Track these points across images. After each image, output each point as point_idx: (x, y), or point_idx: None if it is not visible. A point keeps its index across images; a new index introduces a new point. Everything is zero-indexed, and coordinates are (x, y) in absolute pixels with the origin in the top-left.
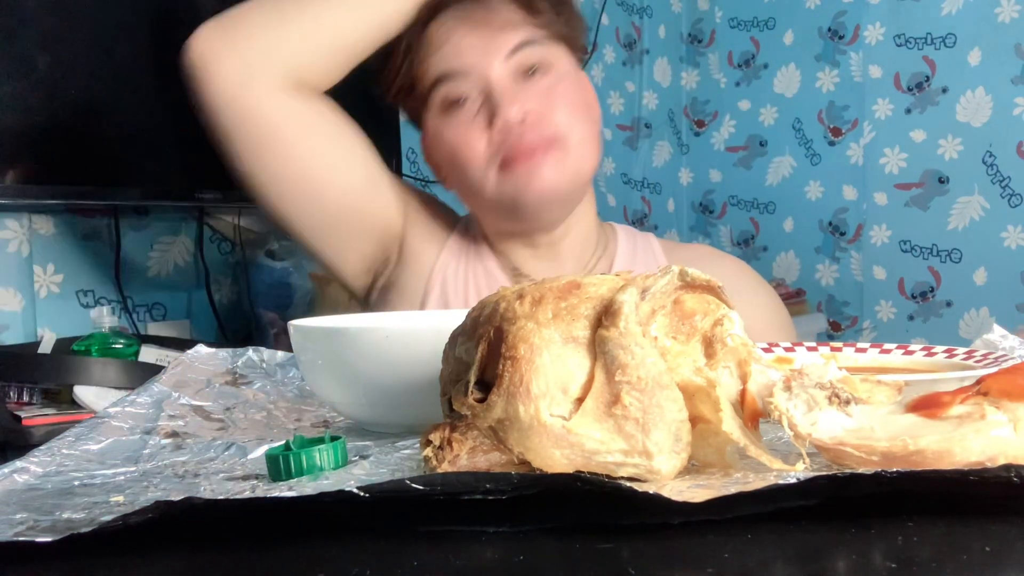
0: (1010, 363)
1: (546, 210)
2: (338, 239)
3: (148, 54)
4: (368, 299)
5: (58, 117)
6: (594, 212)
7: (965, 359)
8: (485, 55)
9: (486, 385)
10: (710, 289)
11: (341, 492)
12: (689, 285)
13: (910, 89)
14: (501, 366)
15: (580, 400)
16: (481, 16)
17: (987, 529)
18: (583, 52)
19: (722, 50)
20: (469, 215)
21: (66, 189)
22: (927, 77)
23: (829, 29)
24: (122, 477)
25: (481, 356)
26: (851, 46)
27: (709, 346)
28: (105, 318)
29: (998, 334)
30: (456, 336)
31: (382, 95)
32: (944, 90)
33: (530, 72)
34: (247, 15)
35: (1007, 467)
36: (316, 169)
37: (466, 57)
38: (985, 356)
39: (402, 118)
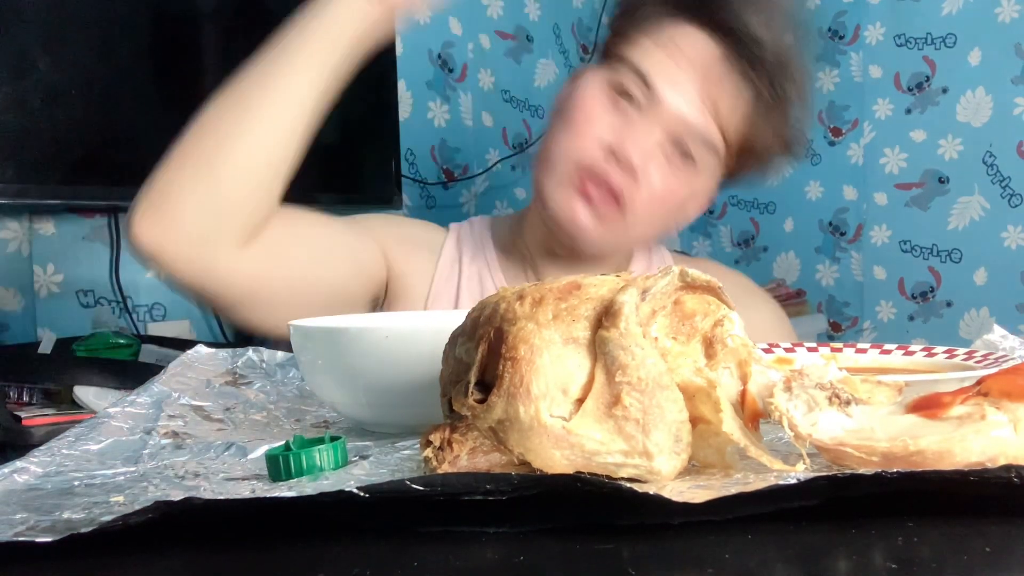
0: (1010, 363)
1: (570, 244)
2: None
3: (148, 54)
4: None
5: (58, 117)
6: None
7: (965, 359)
8: (680, 104)
9: (486, 386)
10: (710, 290)
11: (341, 492)
12: (689, 286)
13: (910, 89)
14: (501, 367)
15: (580, 401)
16: (723, 74)
17: (987, 529)
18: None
19: None
20: (469, 223)
21: (66, 189)
22: (927, 77)
23: (829, 29)
24: (122, 477)
25: (481, 357)
26: (851, 46)
27: (709, 347)
28: (105, 318)
29: (998, 334)
30: (456, 337)
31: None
32: (944, 90)
33: (683, 157)
34: (172, 187)
35: (1007, 467)
36: (300, 290)
37: (670, 84)
38: (985, 356)
39: (402, 116)
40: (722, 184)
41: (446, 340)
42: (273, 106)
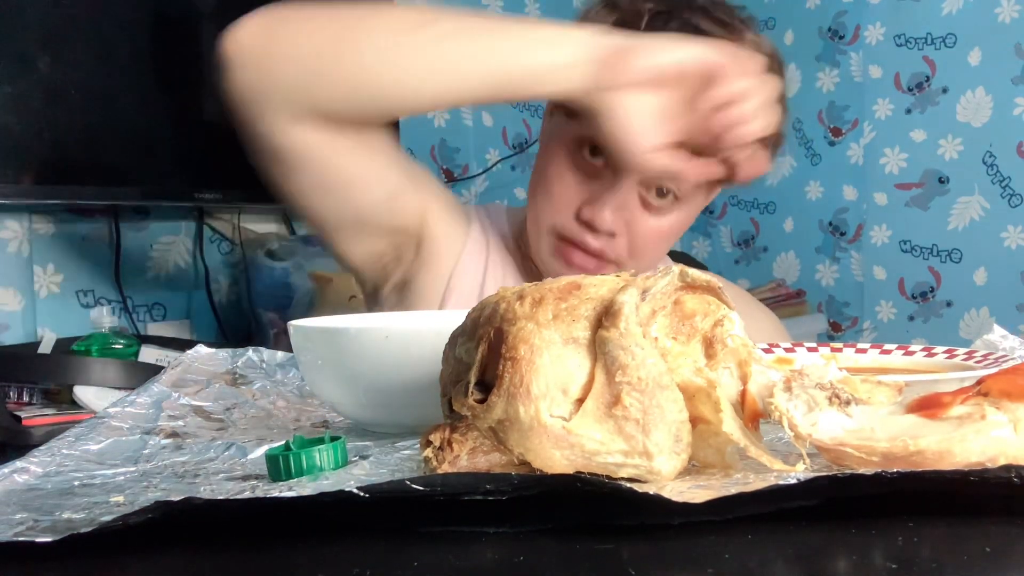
0: (1010, 363)
1: None
2: (351, 236)
3: (148, 54)
4: (378, 296)
5: (58, 117)
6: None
7: (965, 360)
8: (643, 151)
9: (486, 386)
10: (710, 290)
11: (341, 492)
12: (689, 286)
13: (910, 89)
14: (501, 367)
15: (580, 401)
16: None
17: (987, 529)
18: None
19: None
20: (485, 208)
21: (66, 189)
22: (927, 77)
23: (829, 29)
24: (122, 477)
25: (481, 357)
26: (851, 46)
27: (709, 347)
28: (105, 318)
29: (998, 334)
30: (456, 337)
31: None
32: (944, 90)
33: (660, 195)
34: (311, 40)
35: (1007, 467)
36: (340, 182)
37: (629, 132)
38: (985, 356)
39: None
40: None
41: (446, 340)
42: (452, 73)
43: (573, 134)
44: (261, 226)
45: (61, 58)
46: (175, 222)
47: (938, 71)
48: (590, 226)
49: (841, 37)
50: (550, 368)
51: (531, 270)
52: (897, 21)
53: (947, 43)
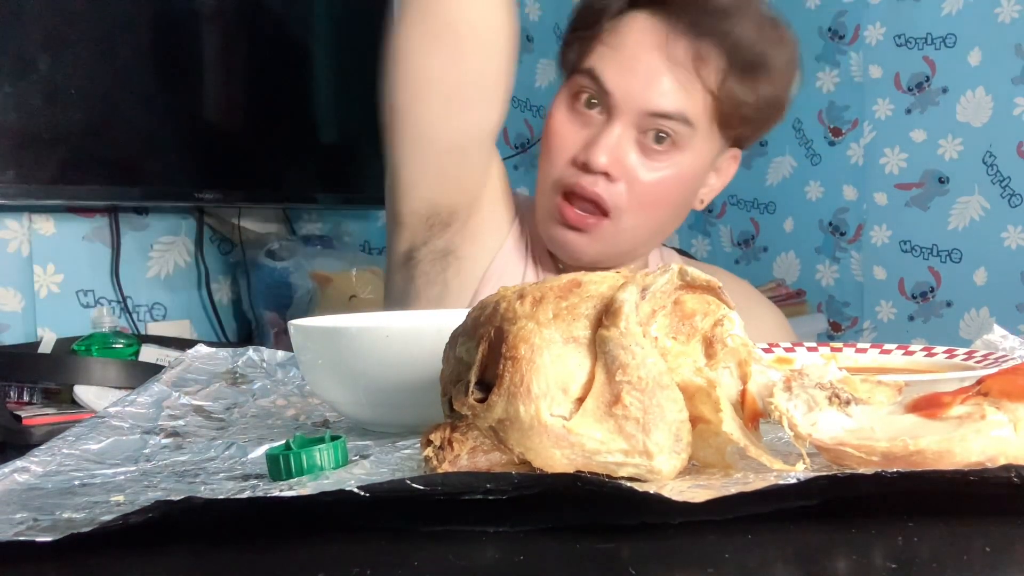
0: (1010, 363)
1: (571, 268)
2: (423, 171)
3: (148, 54)
4: (412, 258)
5: (58, 117)
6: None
7: (965, 359)
8: (636, 94)
9: (486, 385)
10: (710, 290)
11: (341, 492)
12: (689, 285)
13: (910, 89)
14: (502, 366)
15: (580, 400)
16: (671, 47)
17: (987, 529)
18: (751, 140)
19: None
20: (525, 207)
21: (66, 189)
22: (927, 77)
23: (829, 29)
24: (122, 477)
25: (482, 356)
26: (851, 46)
27: (709, 346)
28: (105, 318)
29: (998, 334)
30: (456, 336)
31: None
32: (944, 90)
33: (657, 139)
34: None
35: (1007, 467)
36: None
37: (621, 79)
38: (985, 356)
39: None
40: (738, 149)
41: (446, 340)
42: None
43: (569, 89)
44: (261, 226)
45: (61, 58)
46: (175, 222)
47: (938, 71)
48: (586, 168)
49: (841, 37)
50: (550, 367)
51: (550, 267)
52: (897, 21)
53: (947, 43)
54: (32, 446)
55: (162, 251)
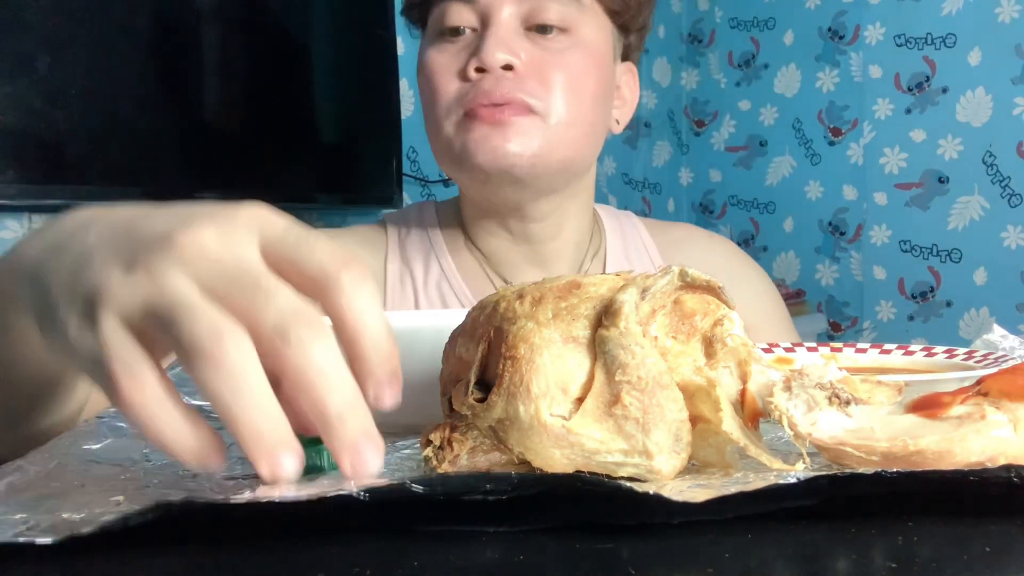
0: (1010, 363)
1: (496, 179)
2: None
3: (148, 54)
4: None
5: (58, 117)
6: (590, 212)
7: (965, 359)
8: None
9: (486, 385)
10: (710, 289)
11: (341, 494)
12: (689, 285)
13: (910, 89)
14: (501, 366)
15: (580, 400)
16: None
17: (987, 529)
18: (635, 45)
19: (722, 50)
20: (405, 213)
21: (66, 189)
22: (927, 77)
23: (829, 29)
24: (122, 477)
25: (481, 356)
26: (851, 46)
27: (709, 346)
28: None
29: (998, 334)
30: (456, 336)
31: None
32: (944, 90)
33: (541, 30)
34: None
35: (1007, 467)
36: None
37: None
38: (985, 356)
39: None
40: (631, 63)
41: (446, 340)
42: None
43: (431, 32)
44: None
45: (61, 58)
46: None
47: (938, 71)
48: (481, 73)
49: (841, 37)
50: (550, 367)
51: (475, 277)
52: (897, 21)
53: (947, 43)
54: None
55: None
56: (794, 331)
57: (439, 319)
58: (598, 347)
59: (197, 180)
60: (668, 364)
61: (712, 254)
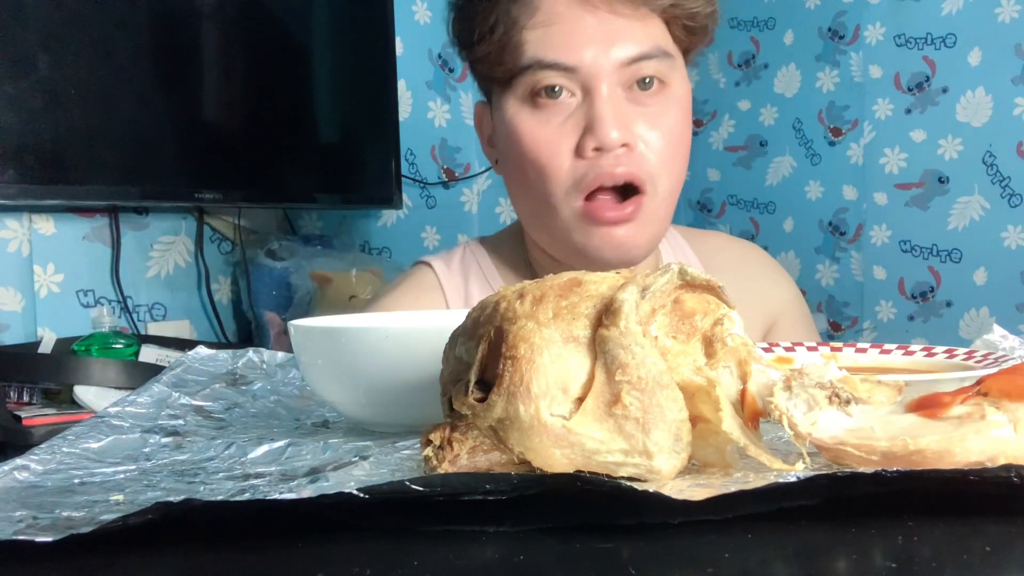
0: (1010, 363)
1: (615, 268)
2: None
3: (148, 54)
4: None
5: (58, 117)
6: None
7: (965, 359)
8: (601, 54)
9: (486, 385)
10: (710, 289)
11: (341, 494)
12: (689, 284)
13: (910, 89)
14: (501, 366)
15: (580, 400)
16: None
17: (987, 529)
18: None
19: (722, 50)
20: (450, 255)
21: (66, 189)
22: (927, 77)
23: (829, 29)
24: (122, 475)
25: (482, 356)
26: (851, 46)
27: (709, 346)
28: (105, 318)
29: (998, 334)
30: (456, 336)
31: (458, 48)
32: (944, 90)
33: (643, 85)
34: None
35: (1007, 467)
36: None
37: (577, 50)
38: (985, 356)
39: (402, 116)
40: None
41: (446, 340)
42: None
43: (521, 93)
44: (261, 226)
45: (61, 58)
46: (175, 222)
47: (938, 71)
48: (601, 151)
49: (841, 37)
50: (550, 367)
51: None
52: (897, 21)
53: (947, 43)
54: (32, 446)
55: (162, 251)
56: (817, 337)
57: (439, 319)
58: (598, 347)
59: (197, 180)
60: (668, 364)
61: (744, 261)
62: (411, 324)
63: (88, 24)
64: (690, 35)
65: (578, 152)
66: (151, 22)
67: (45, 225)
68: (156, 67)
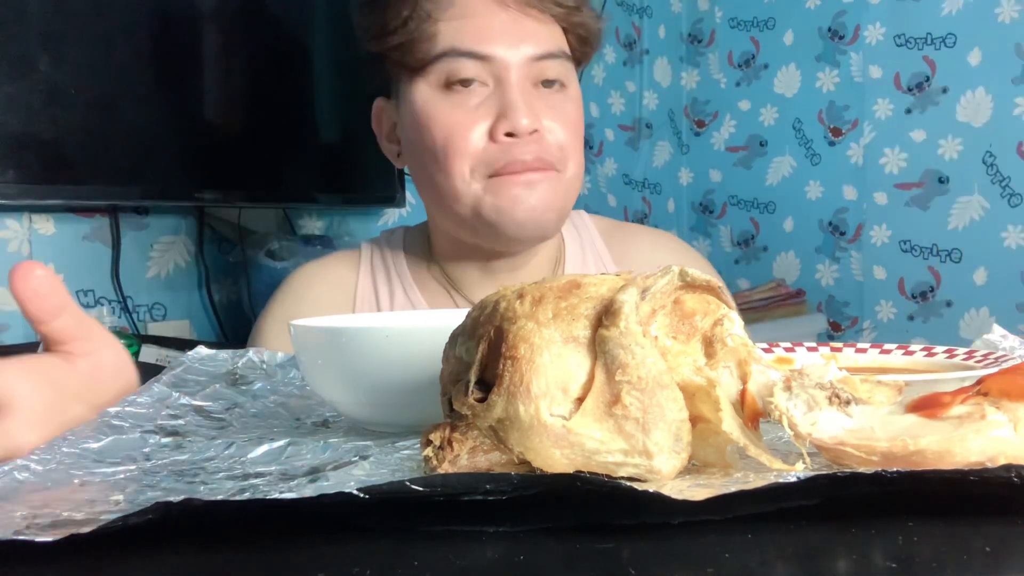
0: (1010, 363)
1: (525, 237)
2: None
3: (148, 54)
4: None
5: (58, 117)
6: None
7: (965, 359)
8: (512, 48)
9: (486, 385)
10: (710, 289)
11: (341, 494)
12: (689, 285)
13: (910, 89)
14: (501, 366)
15: (580, 400)
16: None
17: (987, 529)
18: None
19: (722, 50)
20: (378, 240)
21: (66, 189)
22: (927, 77)
23: (829, 29)
24: (122, 476)
25: (481, 356)
26: (851, 46)
27: (709, 346)
28: (105, 318)
29: (998, 334)
30: (456, 336)
31: (367, 40)
32: (944, 90)
33: (547, 84)
34: None
35: (1007, 467)
36: None
37: (491, 42)
38: (986, 356)
39: None
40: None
41: (446, 339)
42: None
43: (435, 80)
44: (261, 226)
45: (61, 58)
46: (175, 222)
47: (938, 71)
48: (513, 136)
49: (841, 37)
50: (550, 367)
51: (435, 294)
52: (897, 21)
53: (947, 43)
54: None
55: (162, 251)
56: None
57: (438, 319)
58: (598, 347)
59: (197, 180)
60: (668, 364)
61: (657, 249)
62: (410, 324)
63: (88, 24)
64: (583, 46)
65: (491, 136)
66: (151, 22)
67: (45, 225)
68: (156, 67)
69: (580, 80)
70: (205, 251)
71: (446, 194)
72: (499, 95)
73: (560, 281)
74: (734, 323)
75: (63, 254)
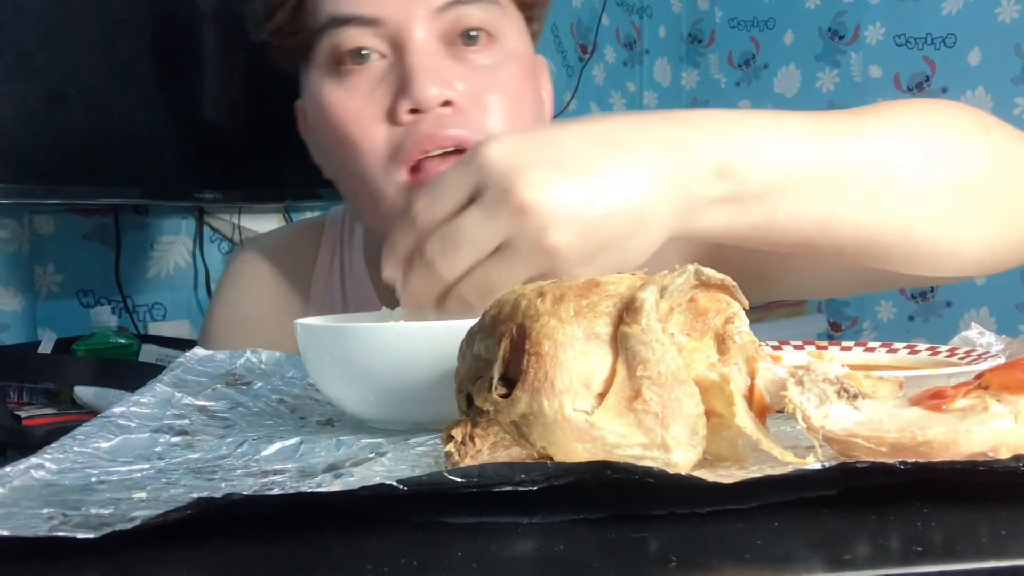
0: (990, 360)
1: None
2: None
3: (148, 54)
4: None
5: (58, 117)
6: None
7: (948, 356)
8: (407, 1)
9: (509, 381)
10: (724, 288)
11: (382, 485)
12: (704, 284)
13: (910, 89)
14: (525, 362)
15: (602, 395)
16: None
17: (998, 514)
18: (537, 31)
19: (722, 50)
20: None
21: (66, 189)
22: (927, 77)
23: (829, 29)
24: (139, 474)
25: (504, 352)
26: (851, 46)
27: (721, 343)
28: (105, 318)
29: (975, 331)
30: (473, 334)
31: (257, 31)
32: (944, 90)
33: (468, 39)
34: None
35: (1017, 457)
36: None
37: (387, 6)
38: (968, 353)
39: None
40: (542, 56)
41: (455, 338)
42: None
43: (324, 61)
44: (261, 226)
45: (61, 58)
46: (175, 222)
47: (938, 71)
48: (418, 112)
49: (841, 37)
50: (573, 363)
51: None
52: (897, 21)
53: (947, 43)
54: (32, 446)
55: (162, 251)
56: None
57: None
58: (620, 343)
59: (197, 180)
60: (684, 360)
61: None
62: (421, 323)
63: (88, 24)
64: None
65: (391, 118)
66: (151, 22)
67: (45, 225)
68: (156, 67)
69: (543, 42)
70: (205, 251)
71: (364, 195)
72: (399, 65)
73: (579, 280)
74: (743, 320)
75: (63, 254)
